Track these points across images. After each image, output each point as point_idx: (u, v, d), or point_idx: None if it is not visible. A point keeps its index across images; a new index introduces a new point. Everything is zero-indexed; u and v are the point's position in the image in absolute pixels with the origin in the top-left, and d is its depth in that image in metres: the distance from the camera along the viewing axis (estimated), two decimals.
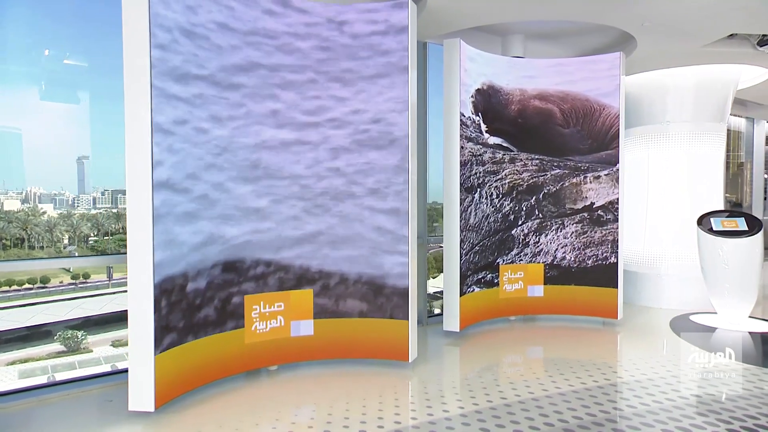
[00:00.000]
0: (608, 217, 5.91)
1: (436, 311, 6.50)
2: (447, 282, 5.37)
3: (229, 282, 3.96)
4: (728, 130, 7.18)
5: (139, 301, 3.28)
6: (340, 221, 4.34)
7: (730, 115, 8.21)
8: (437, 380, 4.25)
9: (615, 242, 5.88)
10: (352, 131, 4.32)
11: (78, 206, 27.60)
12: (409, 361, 4.38)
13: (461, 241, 5.35)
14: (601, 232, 5.94)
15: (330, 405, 3.65)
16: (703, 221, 6.08)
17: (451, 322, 5.33)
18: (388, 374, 4.30)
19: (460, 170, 5.33)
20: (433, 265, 8.08)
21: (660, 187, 7.04)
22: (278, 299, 4.18)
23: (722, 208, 6.78)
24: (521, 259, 6.01)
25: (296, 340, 4.28)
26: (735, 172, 12.16)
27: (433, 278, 7.85)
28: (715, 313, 6.21)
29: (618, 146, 5.84)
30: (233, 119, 3.90)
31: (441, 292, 5.50)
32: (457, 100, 5.26)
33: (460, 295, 5.34)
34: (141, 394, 3.32)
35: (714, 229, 5.98)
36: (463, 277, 5.42)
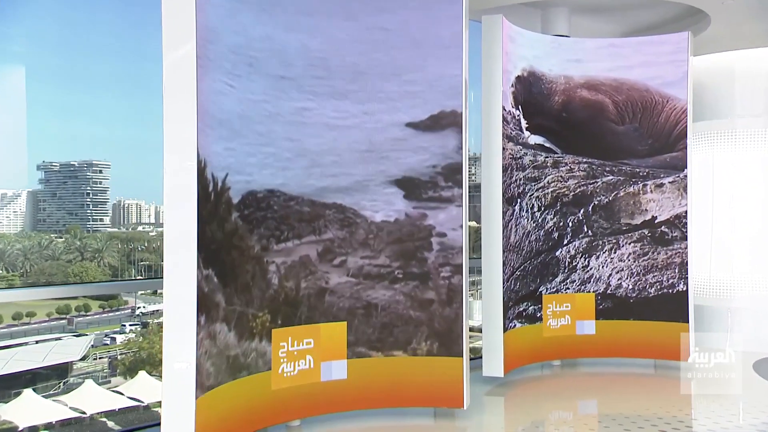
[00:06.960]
0: (674, 234, 6.60)
1: None
2: (487, 316, 5.87)
3: None
4: None
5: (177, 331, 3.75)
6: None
7: None
8: None
9: (684, 265, 6.50)
10: None
11: None
12: (465, 407, 4.92)
13: (503, 264, 5.95)
14: (666, 253, 6.60)
15: None
16: None
17: (494, 365, 5.83)
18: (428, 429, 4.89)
19: (501, 177, 5.96)
20: None
21: (728, 199, 7.78)
22: (307, 334, 4.67)
23: None
24: (568, 288, 6.63)
25: (327, 385, 4.75)
26: None
27: None
28: None
29: (685, 147, 6.53)
30: None
31: None
32: (498, 91, 5.86)
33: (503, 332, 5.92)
34: None
35: None
36: (505, 310, 5.96)
